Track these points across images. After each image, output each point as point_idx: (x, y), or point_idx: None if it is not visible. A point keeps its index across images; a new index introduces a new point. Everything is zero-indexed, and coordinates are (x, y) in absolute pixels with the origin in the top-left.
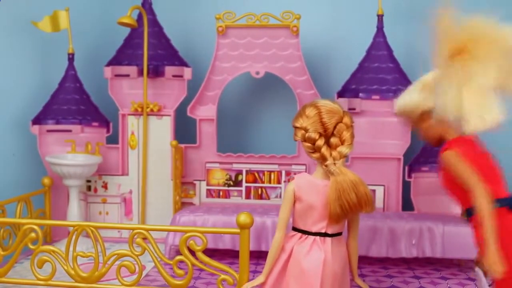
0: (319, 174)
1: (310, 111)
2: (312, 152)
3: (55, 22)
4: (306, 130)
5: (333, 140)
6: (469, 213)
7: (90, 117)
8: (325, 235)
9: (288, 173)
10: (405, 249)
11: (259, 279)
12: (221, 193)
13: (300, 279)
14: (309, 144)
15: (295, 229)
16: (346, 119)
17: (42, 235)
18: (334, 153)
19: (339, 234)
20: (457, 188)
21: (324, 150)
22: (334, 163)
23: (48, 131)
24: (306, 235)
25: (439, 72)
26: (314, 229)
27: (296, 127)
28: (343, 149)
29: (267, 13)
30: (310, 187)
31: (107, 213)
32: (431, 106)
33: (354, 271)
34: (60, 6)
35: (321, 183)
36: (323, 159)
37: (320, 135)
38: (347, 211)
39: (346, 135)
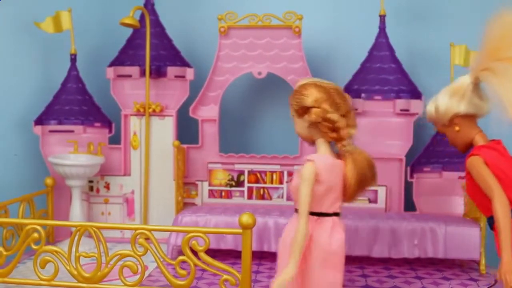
0: (329, 154)
1: (318, 91)
2: (330, 132)
3: (58, 23)
4: (326, 111)
5: (345, 120)
6: (491, 221)
7: (92, 117)
8: (338, 214)
9: (290, 174)
10: (407, 249)
11: (291, 271)
12: (223, 194)
13: (327, 262)
14: (329, 124)
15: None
16: (350, 100)
17: (44, 235)
18: (344, 133)
19: None
20: (480, 194)
21: (344, 130)
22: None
23: (51, 131)
24: (324, 217)
25: (487, 74)
26: (331, 210)
27: (308, 107)
28: (351, 130)
29: (269, 13)
30: (331, 168)
31: (109, 214)
32: (461, 111)
33: None
34: (63, 7)
35: (339, 163)
36: (340, 139)
37: (340, 116)
38: (363, 187)
39: (352, 116)
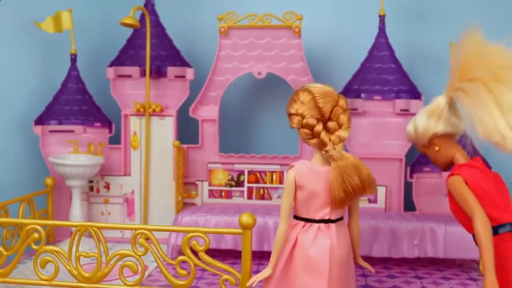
0: (318, 161)
1: (305, 97)
2: (310, 138)
3: (58, 23)
4: (302, 117)
5: (331, 124)
6: (476, 238)
7: (92, 117)
8: (329, 221)
9: None
10: (407, 249)
11: (266, 272)
12: (223, 194)
13: (309, 267)
14: (307, 130)
15: (297, 217)
16: (341, 102)
17: (45, 235)
18: (333, 138)
19: (341, 218)
20: (462, 213)
21: (323, 135)
22: (334, 148)
23: (51, 131)
24: (310, 223)
25: (460, 94)
26: (317, 216)
27: (291, 114)
28: (342, 133)
29: (269, 13)
30: (311, 174)
31: (109, 214)
32: (439, 131)
33: (357, 252)
34: (63, 7)
35: (322, 170)
36: (322, 144)
37: (318, 120)
38: (352, 195)
39: (343, 118)
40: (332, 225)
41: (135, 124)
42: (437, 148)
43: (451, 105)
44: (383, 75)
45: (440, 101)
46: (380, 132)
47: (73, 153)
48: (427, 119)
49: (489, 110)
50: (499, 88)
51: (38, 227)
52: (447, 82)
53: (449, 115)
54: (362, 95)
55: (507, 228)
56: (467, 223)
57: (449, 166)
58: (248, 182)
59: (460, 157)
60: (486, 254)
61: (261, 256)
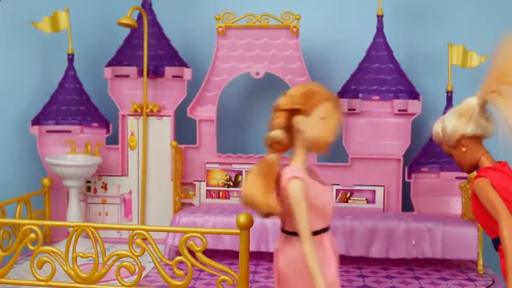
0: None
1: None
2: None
3: (55, 23)
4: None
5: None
6: (496, 242)
7: (90, 117)
8: (285, 232)
9: None
10: (405, 249)
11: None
12: (221, 194)
13: (278, 279)
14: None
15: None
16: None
17: (41, 236)
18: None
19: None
20: (485, 216)
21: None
22: None
23: (48, 131)
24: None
25: (495, 97)
26: (281, 226)
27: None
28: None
29: (267, 13)
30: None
31: (106, 214)
32: (468, 132)
33: None
34: (60, 7)
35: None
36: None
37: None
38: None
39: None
40: (293, 238)
41: (132, 124)
42: (464, 149)
43: (483, 107)
44: (381, 75)
45: (472, 102)
46: (378, 132)
47: (70, 154)
48: (457, 120)
49: None
50: None
51: (35, 228)
52: (482, 83)
53: (479, 117)
54: (360, 95)
55: None
56: (490, 226)
57: (473, 168)
58: None
59: (486, 160)
60: (510, 259)
61: (258, 257)
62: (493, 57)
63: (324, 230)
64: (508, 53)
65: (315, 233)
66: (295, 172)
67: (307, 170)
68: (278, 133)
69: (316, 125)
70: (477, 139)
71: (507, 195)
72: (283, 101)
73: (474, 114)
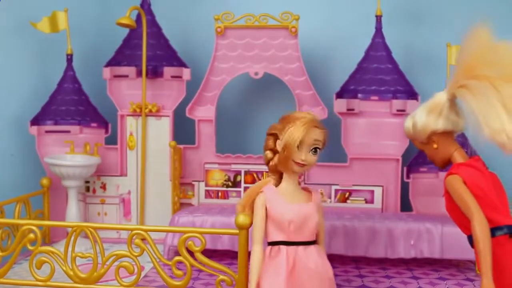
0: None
1: None
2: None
3: (54, 23)
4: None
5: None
6: (471, 239)
7: (88, 117)
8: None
9: None
10: (404, 249)
11: None
12: (219, 194)
13: None
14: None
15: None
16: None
17: (40, 236)
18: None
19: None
20: (459, 213)
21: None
22: None
23: (47, 131)
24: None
25: (464, 91)
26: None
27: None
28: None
29: (266, 13)
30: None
31: (105, 214)
32: (439, 128)
33: None
34: (59, 7)
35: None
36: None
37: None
38: None
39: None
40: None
41: (131, 125)
42: (435, 145)
43: (453, 102)
44: (380, 76)
45: (441, 98)
46: (377, 133)
47: (69, 154)
48: (426, 115)
49: (495, 110)
50: (506, 88)
51: (34, 228)
52: (450, 78)
53: (449, 112)
54: (359, 95)
55: (504, 231)
56: (464, 224)
57: (446, 164)
58: (245, 182)
59: (459, 156)
60: (483, 257)
61: None
62: (460, 52)
63: (283, 243)
64: (474, 47)
65: (273, 243)
66: (264, 189)
67: (294, 190)
68: (267, 154)
69: (282, 147)
70: (448, 134)
71: (479, 191)
72: (270, 126)
73: (444, 110)
